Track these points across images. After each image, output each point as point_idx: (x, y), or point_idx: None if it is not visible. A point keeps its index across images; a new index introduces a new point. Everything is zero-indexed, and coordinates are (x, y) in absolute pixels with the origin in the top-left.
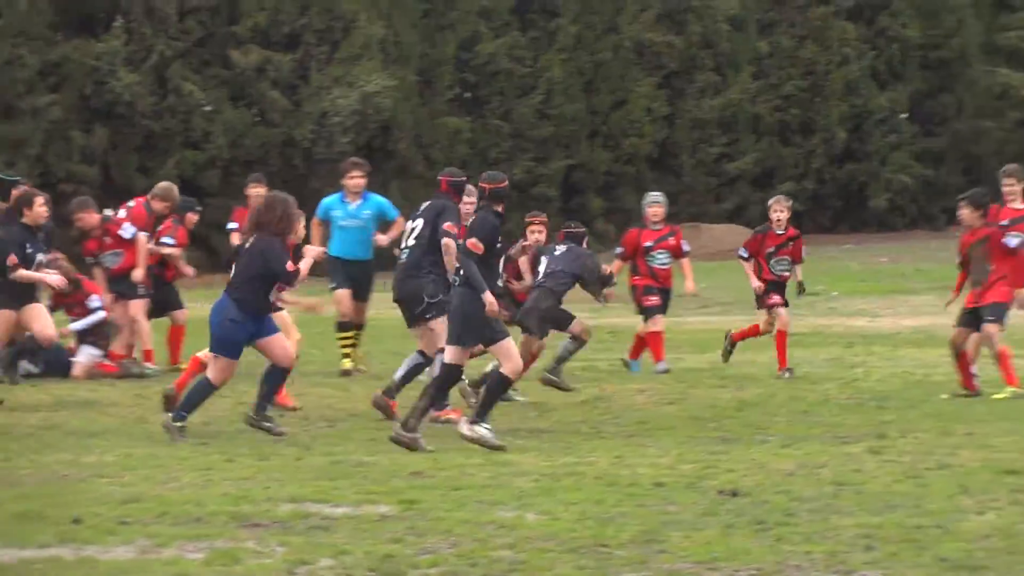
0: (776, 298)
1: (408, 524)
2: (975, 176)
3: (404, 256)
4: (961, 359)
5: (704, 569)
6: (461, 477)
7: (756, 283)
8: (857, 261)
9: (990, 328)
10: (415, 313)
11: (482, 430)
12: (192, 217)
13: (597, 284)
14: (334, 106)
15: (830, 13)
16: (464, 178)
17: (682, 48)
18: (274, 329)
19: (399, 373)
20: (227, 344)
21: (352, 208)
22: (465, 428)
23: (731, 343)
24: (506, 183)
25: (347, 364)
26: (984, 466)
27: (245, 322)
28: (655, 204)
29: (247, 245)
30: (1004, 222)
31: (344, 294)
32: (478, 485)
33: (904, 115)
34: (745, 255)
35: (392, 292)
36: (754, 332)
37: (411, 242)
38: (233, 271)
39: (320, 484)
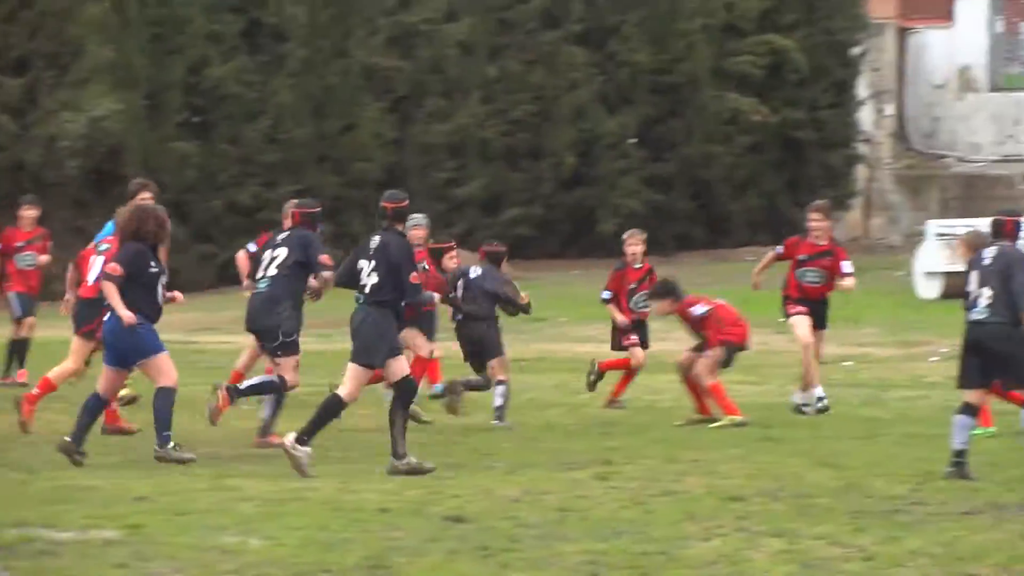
0: (634, 338)
1: (133, 549)
2: (704, 201)
3: (262, 286)
4: (690, 383)
5: None
6: (186, 502)
7: (622, 319)
8: (585, 286)
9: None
10: (267, 347)
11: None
12: None
13: (512, 307)
14: (62, 130)
15: (559, 38)
16: (318, 208)
17: (411, 73)
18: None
19: (265, 412)
20: (151, 343)
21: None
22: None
23: (598, 373)
24: (407, 202)
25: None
26: (709, 492)
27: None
28: (417, 227)
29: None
30: (801, 256)
31: None
32: (203, 510)
33: (633, 140)
34: (607, 296)
35: (247, 320)
36: (623, 364)
37: (272, 271)
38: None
39: (46, 509)
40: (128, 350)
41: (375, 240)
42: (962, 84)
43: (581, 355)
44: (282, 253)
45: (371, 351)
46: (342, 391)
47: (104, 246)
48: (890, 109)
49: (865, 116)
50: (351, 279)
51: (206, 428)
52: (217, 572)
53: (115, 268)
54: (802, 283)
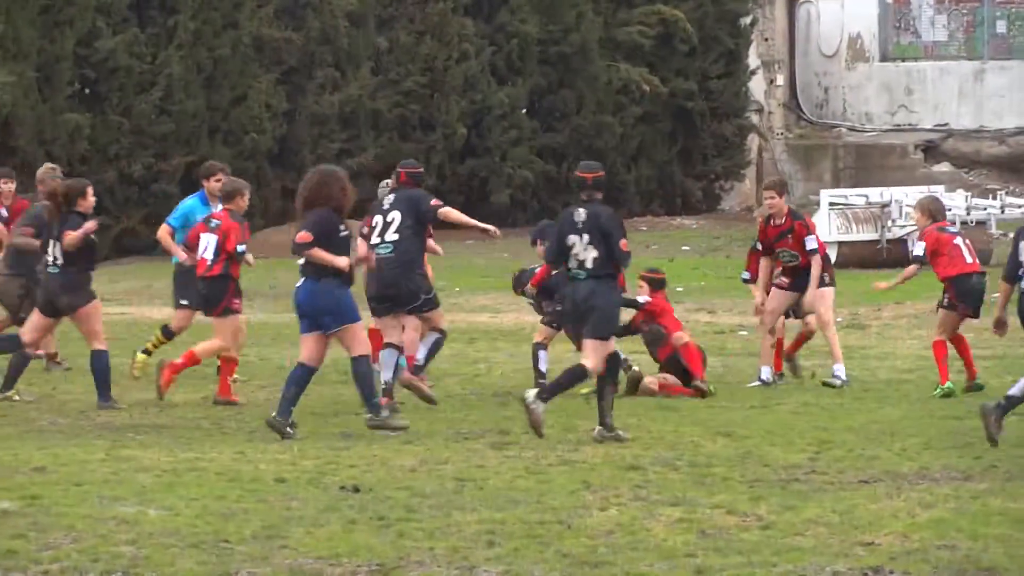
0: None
1: (31, 520)
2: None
3: (384, 251)
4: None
5: (326, 565)
6: (83, 473)
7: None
8: (480, 256)
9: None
10: (409, 309)
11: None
12: None
13: None
14: None
15: (448, 9)
16: (422, 168)
17: (301, 44)
18: None
19: (421, 354)
20: (351, 309)
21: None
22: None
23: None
24: (603, 172)
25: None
26: (606, 462)
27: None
28: None
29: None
30: (772, 238)
31: (187, 313)
32: (100, 480)
33: (523, 110)
34: (747, 278)
35: (374, 287)
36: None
37: (393, 236)
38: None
39: None
40: (326, 314)
41: (580, 213)
42: (853, 54)
43: (477, 325)
44: (396, 216)
45: (611, 322)
46: (587, 363)
47: (215, 222)
48: (781, 79)
49: (756, 86)
50: (560, 255)
51: (96, 398)
52: (115, 542)
53: (305, 236)
54: (784, 265)
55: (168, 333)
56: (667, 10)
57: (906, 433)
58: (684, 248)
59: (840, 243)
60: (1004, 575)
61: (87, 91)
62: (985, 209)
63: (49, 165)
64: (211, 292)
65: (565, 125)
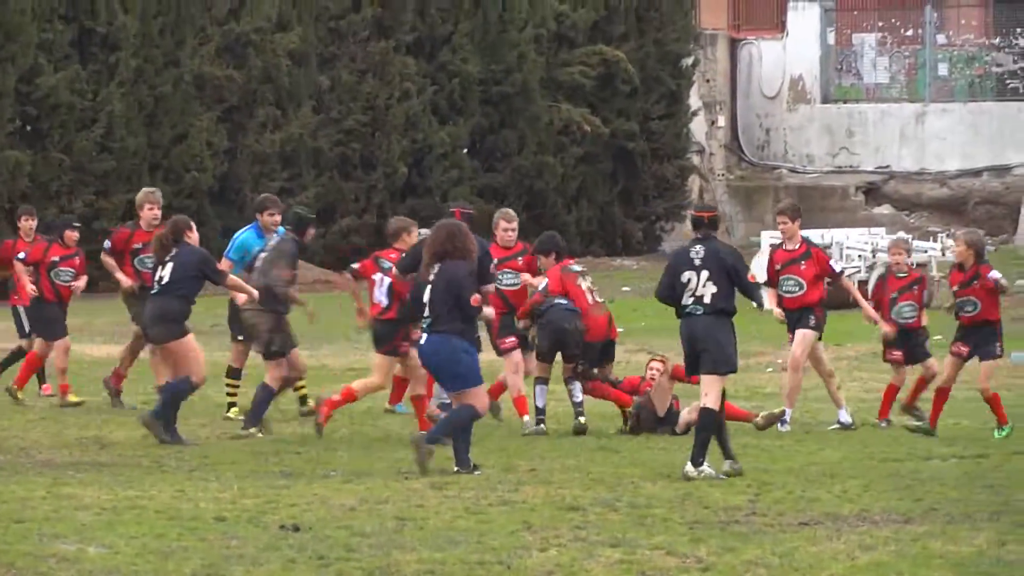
0: (898, 353)
1: None
2: (537, 211)
3: None
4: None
5: None
6: (23, 510)
7: (886, 329)
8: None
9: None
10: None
11: (707, 469)
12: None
13: None
14: None
15: (390, 48)
16: (473, 210)
17: (242, 82)
18: None
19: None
20: (475, 373)
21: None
22: (691, 471)
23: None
24: (717, 211)
25: (236, 412)
26: (547, 502)
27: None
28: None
29: (432, 276)
30: (777, 266)
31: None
32: (40, 518)
33: (465, 150)
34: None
35: None
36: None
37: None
38: (427, 307)
39: None
40: (448, 377)
41: (697, 250)
42: (794, 95)
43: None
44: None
45: (731, 358)
46: (707, 402)
47: (387, 263)
48: (722, 120)
49: (698, 127)
50: (671, 291)
51: (37, 435)
52: None
53: (477, 298)
54: (781, 295)
55: (235, 373)
56: (609, 51)
57: (846, 475)
58: (624, 289)
59: None
60: None
61: (28, 128)
62: (926, 252)
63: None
64: (384, 332)
65: (506, 165)
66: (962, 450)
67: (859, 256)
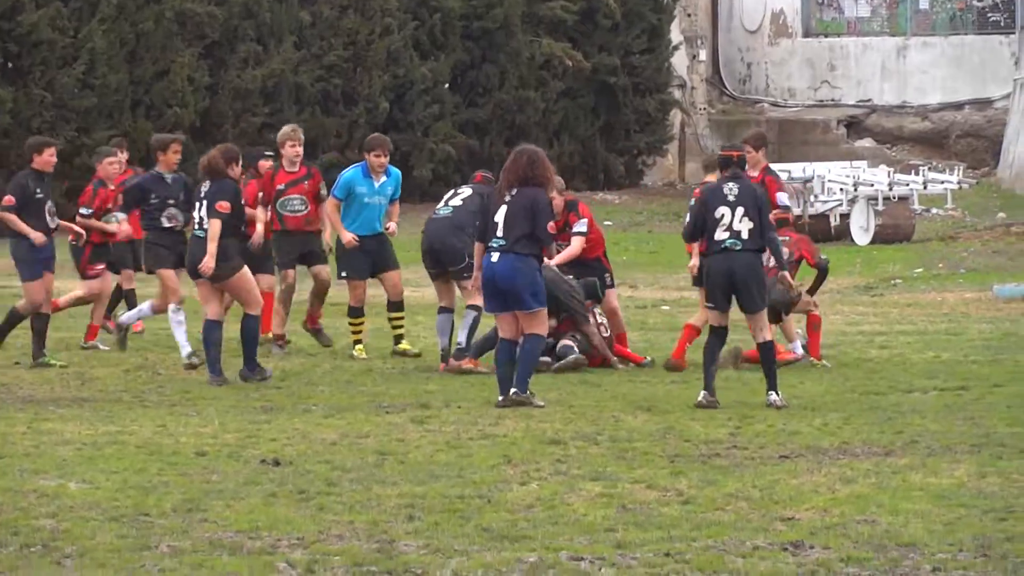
0: None
1: None
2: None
3: (445, 212)
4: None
5: (246, 538)
6: (3, 445)
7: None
8: (401, 231)
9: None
10: (451, 269)
11: (536, 399)
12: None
13: None
14: None
15: None
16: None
17: (224, 18)
18: None
19: (462, 336)
20: (544, 294)
21: (377, 185)
22: (776, 399)
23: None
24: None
25: (361, 351)
26: (527, 436)
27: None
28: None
29: (509, 198)
30: None
31: (361, 283)
32: (20, 454)
33: (446, 85)
34: None
35: (427, 241)
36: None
37: (457, 203)
38: (500, 227)
39: None
40: (528, 295)
41: (730, 187)
42: (776, 29)
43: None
44: (468, 192)
45: (765, 293)
46: (766, 336)
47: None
48: (704, 54)
49: (679, 61)
50: (701, 230)
51: (18, 370)
52: (34, 515)
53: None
54: None
55: (355, 312)
56: None
57: (827, 408)
58: (607, 223)
59: None
60: (924, 550)
61: (10, 65)
62: (908, 185)
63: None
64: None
65: (488, 100)
66: (943, 383)
67: (840, 189)
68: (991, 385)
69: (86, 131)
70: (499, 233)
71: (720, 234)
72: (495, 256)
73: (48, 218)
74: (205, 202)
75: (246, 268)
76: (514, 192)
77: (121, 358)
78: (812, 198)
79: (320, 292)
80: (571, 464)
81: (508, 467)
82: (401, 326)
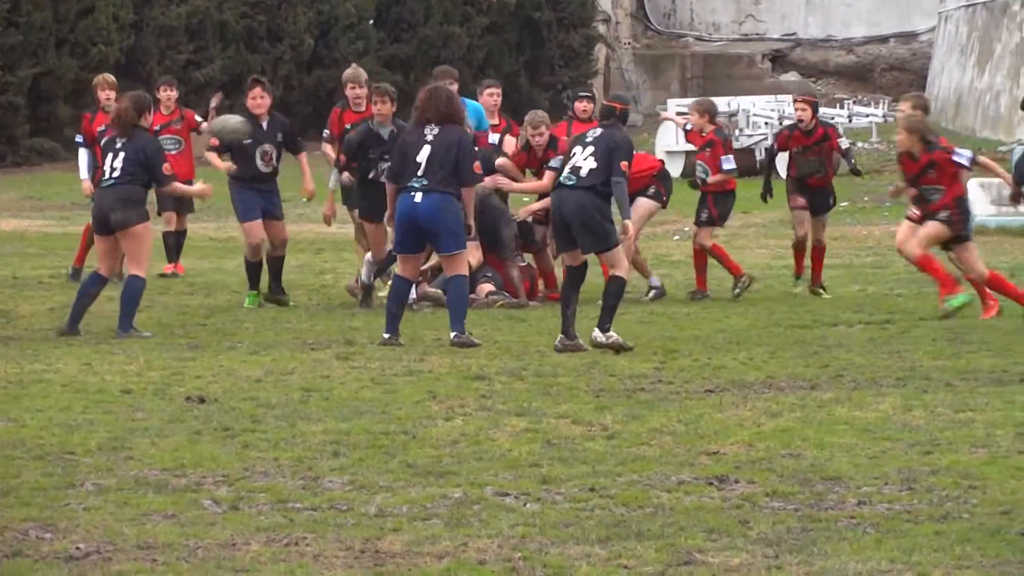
0: (801, 200)
1: None
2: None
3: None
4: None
5: (171, 476)
6: None
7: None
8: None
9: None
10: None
11: (615, 336)
12: None
13: None
14: None
15: None
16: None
17: None
18: None
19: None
20: (464, 236)
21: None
22: (599, 337)
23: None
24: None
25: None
26: (452, 372)
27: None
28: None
29: (431, 137)
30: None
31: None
32: None
33: (371, 21)
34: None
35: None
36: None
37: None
38: (423, 166)
39: None
40: (450, 235)
41: (594, 131)
42: None
43: (323, 236)
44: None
45: (604, 231)
46: (620, 272)
47: None
48: None
49: None
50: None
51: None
52: None
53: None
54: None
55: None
56: None
57: (752, 342)
58: None
59: (687, 153)
60: (849, 483)
61: None
62: (833, 119)
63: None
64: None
65: (412, 35)
66: (868, 316)
67: (765, 123)
68: (916, 319)
69: (10, 68)
70: (420, 172)
71: (564, 172)
72: (417, 196)
73: None
74: (122, 154)
75: (149, 225)
76: (436, 131)
77: (46, 296)
78: (737, 132)
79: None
80: (496, 400)
81: (433, 403)
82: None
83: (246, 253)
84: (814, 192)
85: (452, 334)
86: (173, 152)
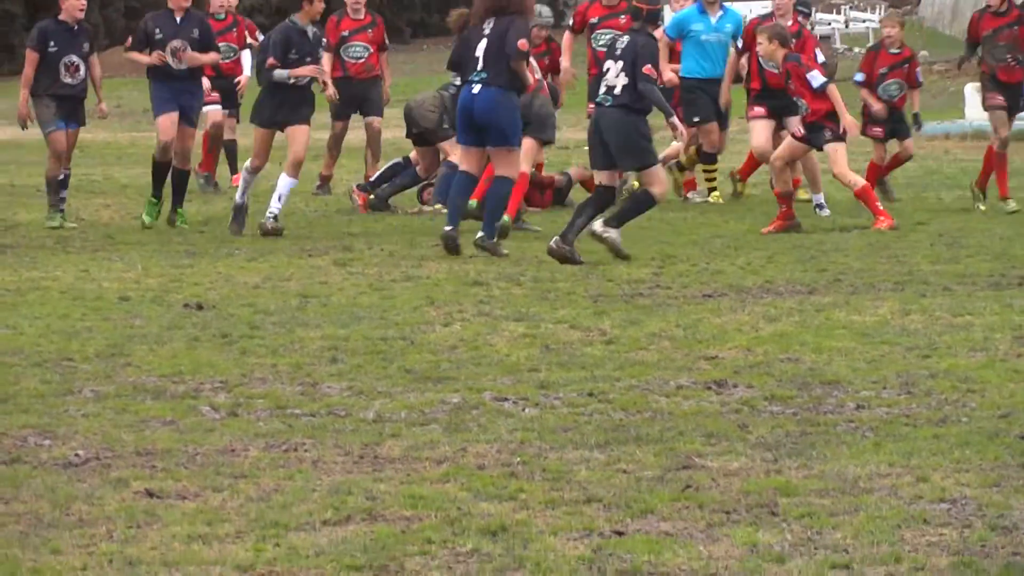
0: (877, 130)
1: None
2: None
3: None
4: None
5: (169, 382)
6: None
7: (877, 106)
8: None
9: None
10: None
11: (613, 234)
12: None
13: None
14: None
15: None
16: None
17: None
18: None
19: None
20: (519, 133)
21: (714, 21)
22: (598, 227)
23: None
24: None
25: (716, 198)
26: (450, 277)
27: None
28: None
29: (488, 30)
30: (881, 69)
31: (713, 127)
32: None
33: None
34: (860, 79)
35: None
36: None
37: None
38: (480, 60)
39: None
40: (499, 132)
41: (623, 40)
42: None
43: (319, 142)
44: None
45: (639, 151)
46: (655, 190)
47: None
48: None
49: None
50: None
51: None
52: None
53: (524, 43)
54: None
55: (708, 158)
56: None
57: (750, 247)
58: None
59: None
60: (848, 387)
61: None
62: (830, 24)
63: None
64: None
65: None
66: (865, 221)
67: None
68: (914, 223)
69: None
70: (479, 67)
71: (601, 89)
72: (476, 88)
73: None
74: None
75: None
76: (492, 23)
77: (44, 204)
78: None
79: (371, 142)
80: (494, 305)
81: (431, 309)
82: (712, 178)
83: (154, 153)
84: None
85: (479, 235)
86: (229, 60)
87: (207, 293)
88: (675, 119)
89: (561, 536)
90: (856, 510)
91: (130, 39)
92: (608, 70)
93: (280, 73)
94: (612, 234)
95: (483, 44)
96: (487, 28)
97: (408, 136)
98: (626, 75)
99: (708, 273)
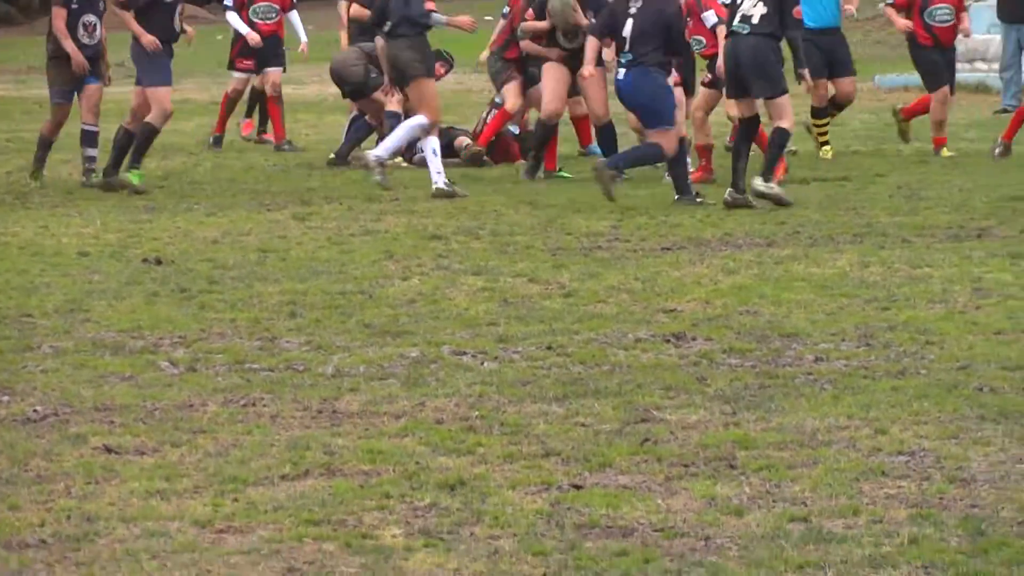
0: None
1: None
2: None
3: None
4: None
5: (128, 337)
6: None
7: (903, 24)
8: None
9: None
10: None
11: (776, 188)
12: None
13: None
14: None
15: None
16: None
17: None
18: None
19: None
20: (671, 112)
21: None
22: (761, 185)
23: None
24: None
25: (827, 152)
26: (409, 231)
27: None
28: None
29: (634, 10)
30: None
31: (821, 83)
32: None
33: None
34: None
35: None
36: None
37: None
38: (628, 40)
39: None
40: (647, 113)
41: None
42: None
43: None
44: None
45: (776, 79)
46: (784, 123)
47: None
48: None
49: None
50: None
51: None
52: None
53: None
54: (932, 24)
55: (819, 113)
56: None
57: (708, 200)
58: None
59: None
60: (807, 340)
61: None
62: None
63: None
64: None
65: None
66: (824, 173)
67: None
68: (873, 175)
69: None
70: (626, 47)
71: (735, 21)
72: (620, 72)
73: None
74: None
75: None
76: (640, 3)
77: (3, 159)
78: None
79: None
80: (452, 259)
81: (389, 262)
82: (823, 132)
83: (154, 121)
84: None
85: (606, 162)
86: (270, 22)
87: (166, 248)
88: (806, 71)
89: (519, 490)
90: (814, 463)
91: None
92: (741, 2)
93: (438, 18)
94: (775, 187)
95: (629, 24)
96: (633, 7)
97: (344, 96)
98: (764, 5)
99: (667, 226)
